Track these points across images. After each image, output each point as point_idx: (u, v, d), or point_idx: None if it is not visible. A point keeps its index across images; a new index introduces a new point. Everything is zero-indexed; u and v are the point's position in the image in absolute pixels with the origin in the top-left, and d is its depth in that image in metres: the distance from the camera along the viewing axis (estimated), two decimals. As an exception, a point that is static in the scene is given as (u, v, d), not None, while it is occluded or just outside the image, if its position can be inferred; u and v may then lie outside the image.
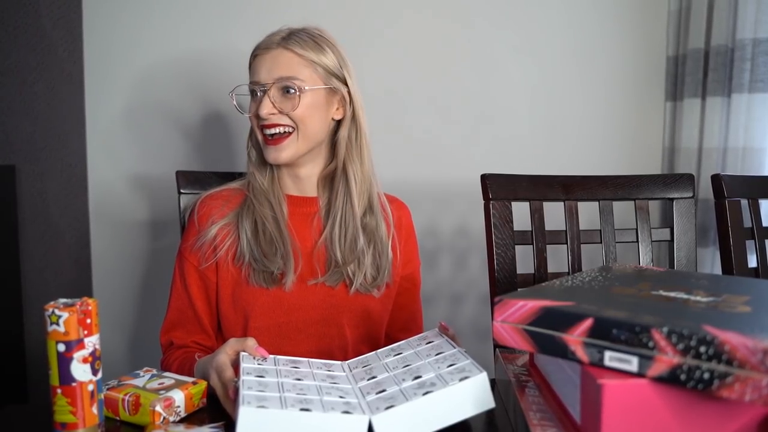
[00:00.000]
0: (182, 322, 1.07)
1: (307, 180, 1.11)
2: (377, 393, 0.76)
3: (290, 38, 1.04)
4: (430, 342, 0.90)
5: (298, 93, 1.03)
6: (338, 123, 1.10)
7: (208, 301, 1.08)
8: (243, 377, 0.75)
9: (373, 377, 0.82)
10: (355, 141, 1.09)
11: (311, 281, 1.06)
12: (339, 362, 0.90)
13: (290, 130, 1.04)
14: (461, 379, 0.73)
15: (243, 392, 0.70)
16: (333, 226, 1.08)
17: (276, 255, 1.03)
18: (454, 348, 0.85)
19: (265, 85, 1.03)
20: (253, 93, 1.06)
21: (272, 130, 1.04)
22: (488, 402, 0.74)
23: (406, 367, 0.82)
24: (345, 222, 1.08)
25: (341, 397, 0.75)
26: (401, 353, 0.88)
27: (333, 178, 1.10)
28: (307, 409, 0.69)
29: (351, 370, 0.87)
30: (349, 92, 1.08)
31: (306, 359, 0.88)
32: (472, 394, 0.73)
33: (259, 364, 0.81)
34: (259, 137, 1.07)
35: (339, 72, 1.07)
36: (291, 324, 1.05)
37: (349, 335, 1.09)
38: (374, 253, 1.08)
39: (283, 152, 1.05)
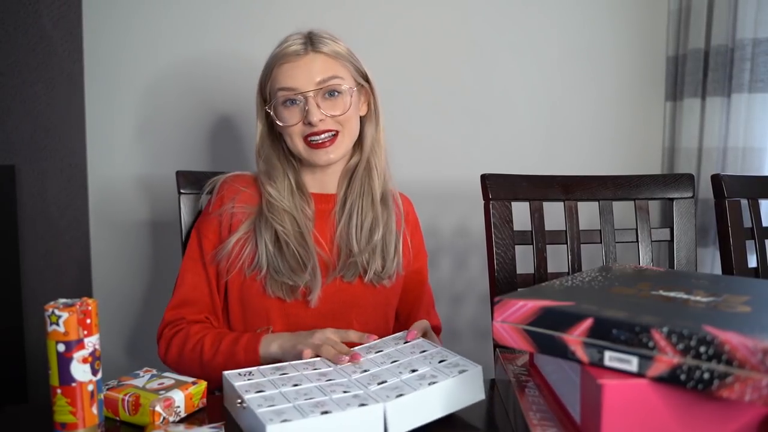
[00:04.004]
0: (195, 300, 1.06)
1: (331, 176, 1.11)
2: (378, 384, 0.78)
3: (315, 42, 1.03)
4: (407, 342, 0.93)
5: (342, 95, 1.04)
6: (361, 118, 1.11)
7: (218, 284, 1.08)
8: (246, 397, 0.73)
9: (366, 370, 0.83)
10: (375, 135, 1.12)
11: (329, 278, 1.06)
12: (319, 358, 0.89)
13: (335, 132, 1.04)
14: (461, 372, 0.79)
15: (258, 412, 0.69)
16: (350, 218, 1.08)
17: (303, 271, 1.03)
18: (436, 347, 0.90)
19: (307, 92, 1.02)
20: (287, 101, 1.03)
21: (319, 137, 1.03)
22: (480, 393, 0.80)
23: (395, 362, 0.85)
24: (363, 213, 1.09)
25: (345, 391, 0.76)
26: (382, 350, 0.91)
27: (353, 171, 1.12)
28: (327, 412, 0.69)
29: (336, 365, 0.87)
30: (371, 88, 1.10)
31: (287, 363, 0.88)
32: (469, 385, 0.80)
33: (248, 379, 0.80)
34: (300, 145, 1.05)
35: (362, 69, 1.09)
36: (300, 318, 1.06)
37: (356, 330, 1.09)
38: (385, 243, 1.09)
39: (333, 154, 1.05)
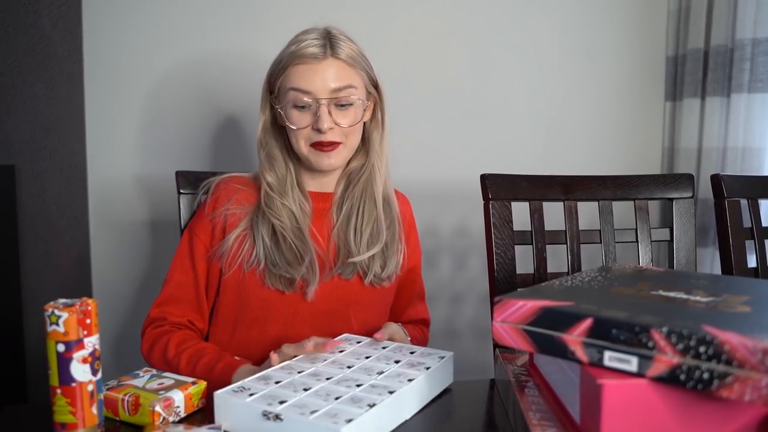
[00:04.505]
0: (180, 298, 1.07)
1: (330, 177, 1.12)
2: (378, 374, 0.81)
3: (335, 46, 1.02)
4: (359, 341, 0.97)
5: (353, 106, 1.04)
6: (366, 123, 1.11)
7: (209, 284, 1.08)
8: (278, 410, 0.70)
9: (350, 366, 0.84)
10: (381, 140, 1.11)
11: (327, 276, 1.06)
12: (292, 361, 0.87)
13: (338, 142, 1.04)
14: (441, 358, 0.88)
15: (313, 420, 0.67)
16: (349, 219, 1.09)
17: (300, 264, 1.03)
18: (393, 343, 0.96)
19: (320, 99, 1.01)
20: (298, 104, 1.02)
21: (324, 145, 1.03)
22: (451, 378, 0.90)
23: (369, 358, 0.88)
24: (364, 216, 1.09)
25: (359, 385, 0.77)
26: (344, 350, 0.92)
27: (353, 174, 1.12)
28: (372, 404, 0.71)
29: (320, 363, 0.86)
30: (380, 96, 1.10)
31: (268, 371, 0.83)
32: (447, 370, 0.89)
33: (250, 394, 0.75)
34: (305, 148, 1.05)
35: (374, 76, 1.09)
36: (298, 315, 1.06)
37: (355, 328, 1.09)
38: (386, 246, 1.09)
39: (334, 159, 1.05)
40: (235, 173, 1.14)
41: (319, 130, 1.02)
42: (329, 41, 1.02)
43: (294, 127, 1.03)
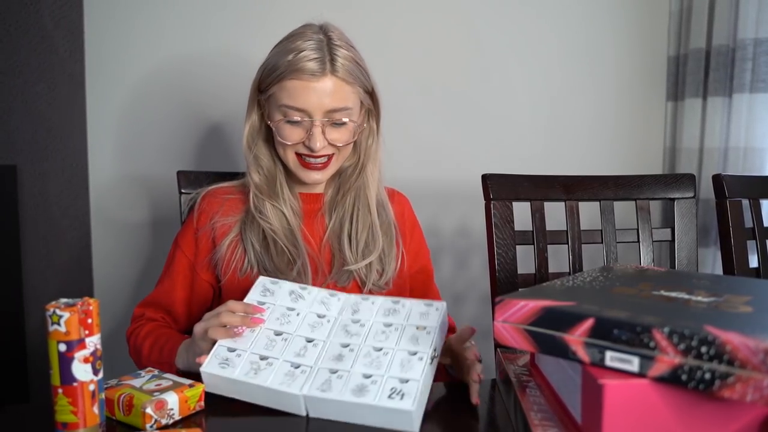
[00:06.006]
0: (158, 303, 1.09)
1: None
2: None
3: (334, 59, 0.98)
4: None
5: (347, 125, 1.02)
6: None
7: (190, 292, 1.08)
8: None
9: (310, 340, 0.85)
10: (374, 143, 1.10)
11: (323, 284, 1.04)
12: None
13: (329, 155, 1.03)
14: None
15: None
16: (342, 225, 1.07)
17: (292, 269, 1.02)
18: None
19: (314, 118, 0.99)
20: (291, 120, 1.00)
21: (315, 159, 1.02)
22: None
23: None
24: (358, 223, 1.07)
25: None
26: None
27: (343, 174, 1.11)
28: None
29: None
30: (374, 102, 1.08)
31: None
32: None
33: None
34: (291, 160, 1.03)
35: (370, 85, 1.06)
36: None
37: None
38: (384, 253, 1.08)
39: (321, 175, 1.04)
40: (221, 184, 1.13)
41: (310, 148, 1.01)
42: (329, 53, 0.98)
43: (288, 143, 1.02)
